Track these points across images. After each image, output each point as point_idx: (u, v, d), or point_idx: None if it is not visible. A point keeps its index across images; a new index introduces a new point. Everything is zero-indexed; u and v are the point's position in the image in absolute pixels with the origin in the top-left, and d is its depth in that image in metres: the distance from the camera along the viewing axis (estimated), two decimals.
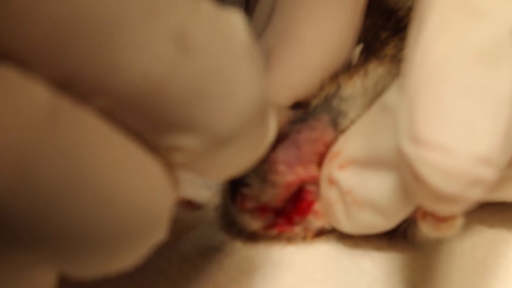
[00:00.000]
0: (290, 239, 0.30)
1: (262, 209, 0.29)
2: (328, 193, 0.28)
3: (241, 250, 0.30)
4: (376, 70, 0.30)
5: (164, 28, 0.19)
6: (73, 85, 0.18)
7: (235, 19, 0.21)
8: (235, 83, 0.20)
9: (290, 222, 0.29)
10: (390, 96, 0.27)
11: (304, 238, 0.30)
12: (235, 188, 0.29)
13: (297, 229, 0.30)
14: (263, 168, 0.28)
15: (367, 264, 0.30)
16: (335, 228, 0.29)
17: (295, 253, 0.30)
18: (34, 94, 0.18)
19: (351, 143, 0.28)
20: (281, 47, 0.30)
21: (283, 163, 0.28)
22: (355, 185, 0.27)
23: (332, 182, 0.28)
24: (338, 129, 0.29)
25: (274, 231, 0.29)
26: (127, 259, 0.20)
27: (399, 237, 0.29)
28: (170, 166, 0.21)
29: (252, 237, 0.30)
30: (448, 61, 0.23)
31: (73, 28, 0.18)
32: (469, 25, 0.24)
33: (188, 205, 0.30)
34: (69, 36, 0.18)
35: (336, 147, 0.28)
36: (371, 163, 0.27)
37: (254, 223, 0.29)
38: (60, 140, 0.18)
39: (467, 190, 0.23)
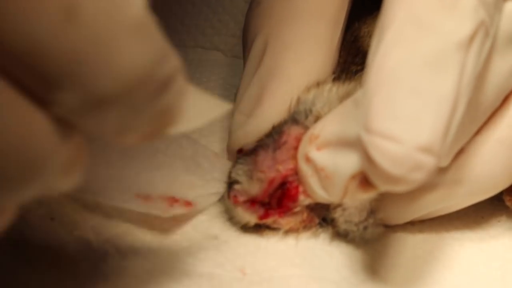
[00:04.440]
0: (288, 230, 0.35)
1: (251, 202, 0.34)
2: (305, 167, 0.33)
3: (235, 239, 0.35)
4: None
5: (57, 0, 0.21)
6: None
7: None
8: (118, 52, 0.22)
9: (285, 209, 0.34)
10: (360, 94, 0.31)
11: (298, 225, 0.35)
12: (229, 187, 0.35)
13: (289, 218, 0.34)
14: (250, 168, 0.34)
15: (336, 252, 0.35)
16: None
17: (280, 242, 0.36)
18: None
19: (328, 129, 0.32)
20: (272, 84, 0.36)
21: (265, 165, 0.34)
22: (327, 164, 0.31)
23: (309, 160, 0.32)
24: (303, 123, 0.34)
25: (269, 220, 0.34)
26: (6, 199, 0.22)
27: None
28: (60, 119, 0.23)
29: (250, 228, 0.35)
30: (400, 67, 0.27)
31: None
32: (420, 37, 0.28)
33: (187, 205, 0.36)
34: None
35: (315, 130, 0.33)
36: (342, 145, 0.31)
37: (248, 216, 0.34)
38: None
39: (410, 173, 0.26)
